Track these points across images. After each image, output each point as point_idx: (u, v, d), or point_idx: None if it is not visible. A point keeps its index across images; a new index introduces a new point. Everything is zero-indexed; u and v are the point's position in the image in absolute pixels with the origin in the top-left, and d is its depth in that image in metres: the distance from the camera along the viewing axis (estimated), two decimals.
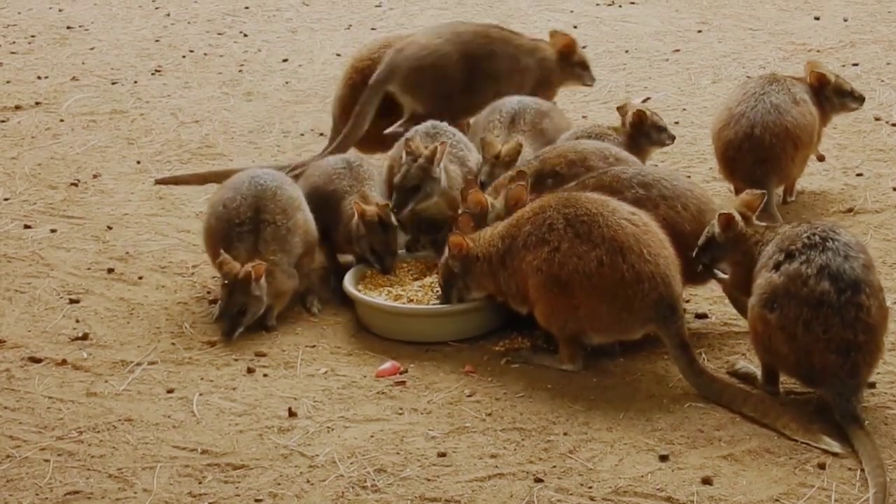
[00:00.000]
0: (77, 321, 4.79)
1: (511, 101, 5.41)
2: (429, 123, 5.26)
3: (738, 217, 4.26)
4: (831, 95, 5.62)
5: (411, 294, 4.72)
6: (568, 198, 4.34)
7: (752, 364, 4.26)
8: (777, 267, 4.00)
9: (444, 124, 5.26)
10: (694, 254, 4.34)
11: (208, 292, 4.98)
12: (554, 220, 4.26)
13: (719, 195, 5.61)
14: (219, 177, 6.04)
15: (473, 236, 4.53)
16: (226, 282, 4.55)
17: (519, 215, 4.43)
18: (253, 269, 4.52)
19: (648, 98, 6.91)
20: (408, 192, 4.89)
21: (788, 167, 5.35)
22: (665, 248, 4.24)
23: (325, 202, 5.01)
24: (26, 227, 5.62)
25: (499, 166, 4.96)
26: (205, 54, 8.05)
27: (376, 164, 5.33)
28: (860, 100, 5.69)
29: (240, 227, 4.69)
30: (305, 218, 4.84)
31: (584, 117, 6.75)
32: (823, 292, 3.89)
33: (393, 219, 4.85)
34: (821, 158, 5.86)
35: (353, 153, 5.33)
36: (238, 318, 4.57)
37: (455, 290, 4.55)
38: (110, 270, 5.19)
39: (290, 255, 4.74)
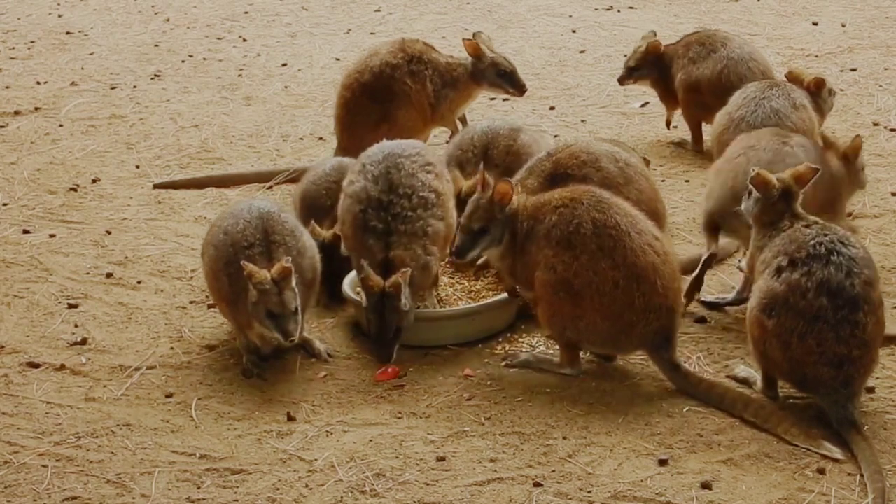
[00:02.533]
0: (76, 326, 4.79)
1: (482, 133, 5.23)
2: (376, 188, 4.58)
3: (774, 182, 4.15)
4: (826, 97, 5.68)
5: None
6: (600, 200, 4.24)
7: (751, 368, 4.26)
8: (779, 273, 3.99)
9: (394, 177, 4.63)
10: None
11: (206, 297, 4.97)
12: (583, 221, 4.18)
13: None
14: (218, 181, 6.08)
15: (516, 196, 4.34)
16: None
17: (547, 199, 4.31)
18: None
19: (647, 103, 6.91)
20: (393, 338, 4.42)
21: None
22: (676, 280, 4.23)
23: (316, 207, 5.01)
24: (25, 231, 5.62)
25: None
26: (204, 59, 8.06)
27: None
28: (834, 95, 5.85)
29: (250, 250, 4.38)
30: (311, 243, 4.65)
31: (582, 121, 6.76)
32: (821, 308, 3.89)
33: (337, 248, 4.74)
34: None
35: (350, 160, 5.32)
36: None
37: (486, 238, 4.30)
38: (109, 275, 5.19)
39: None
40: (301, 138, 6.67)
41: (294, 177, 5.88)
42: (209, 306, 4.90)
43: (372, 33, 8.44)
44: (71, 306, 4.93)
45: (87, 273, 5.22)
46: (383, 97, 5.89)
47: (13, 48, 8.35)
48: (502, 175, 4.75)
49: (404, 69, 5.95)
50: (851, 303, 3.89)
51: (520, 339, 4.59)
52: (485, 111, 6.75)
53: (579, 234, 4.17)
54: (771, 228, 4.14)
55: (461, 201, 4.77)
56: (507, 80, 6.06)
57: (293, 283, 4.27)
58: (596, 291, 4.14)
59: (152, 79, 7.68)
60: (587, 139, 5.58)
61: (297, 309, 4.27)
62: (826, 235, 4.00)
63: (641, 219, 4.27)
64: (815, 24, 8.26)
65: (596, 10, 8.80)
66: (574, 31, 8.32)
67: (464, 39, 6.11)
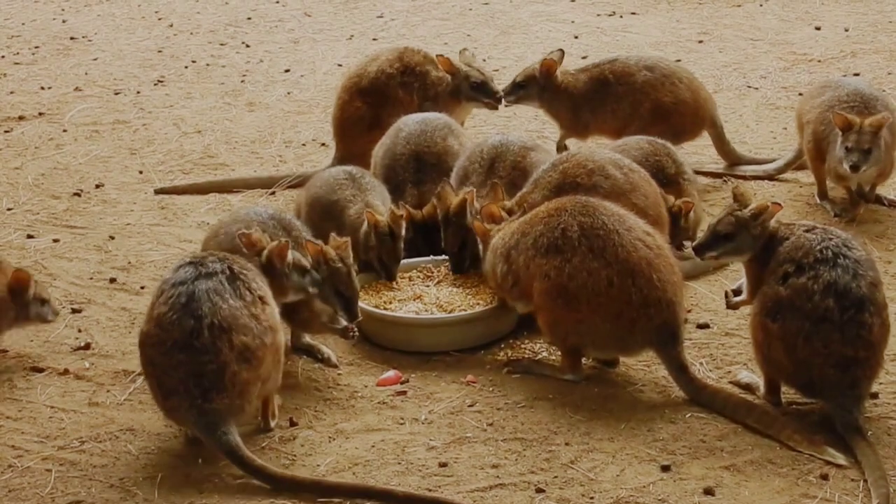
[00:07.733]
0: (79, 331, 4.79)
1: (492, 146, 5.22)
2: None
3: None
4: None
5: (413, 304, 4.71)
6: (586, 205, 4.27)
7: (754, 374, 4.26)
8: (785, 278, 3.99)
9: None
10: (702, 244, 4.22)
11: None
12: (568, 227, 4.21)
13: (723, 203, 5.62)
14: (220, 187, 6.09)
15: (493, 227, 4.56)
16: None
17: (534, 214, 4.39)
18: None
19: None
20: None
21: None
22: (674, 273, 4.23)
23: (327, 212, 5.03)
24: (29, 236, 5.63)
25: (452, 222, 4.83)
26: (207, 65, 8.07)
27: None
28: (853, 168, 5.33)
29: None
30: None
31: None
32: (827, 309, 3.89)
33: (402, 229, 4.84)
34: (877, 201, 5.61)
35: (354, 166, 5.35)
36: None
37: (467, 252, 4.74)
38: (112, 280, 5.20)
39: None
40: (304, 144, 6.68)
41: (296, 183, 5.90)
42: None
43: (374, 39, 8.45)
44: (74, 311, 4.93)
45: (91, 278, 5.23)
46: (376, 102, 5.94)
47: (17, 53, 8.37)
48: (506, 187, 4.84)
49: (397, 79, 6.00)
50: (858, 304, 3.90)
51: (522, 345, 4.60)
52: (487, 117, 6.75)
53: (566, 237, 4.20)
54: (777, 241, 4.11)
55: (447, 222, 4.84)
56: (481, 92, 5.96)
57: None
58: (592, 292, 4.14)
59: (156, 84, 7.69)
60: (589, 147, 5.59)
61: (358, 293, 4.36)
62: (831, 240, 4.01)
63: (629, 216, 4.29)
64: (817, 28, 8.26)
65: (598, 16, 8.81)
66: (576, 37, 8.32)
67: (437, 55, 6.06)
